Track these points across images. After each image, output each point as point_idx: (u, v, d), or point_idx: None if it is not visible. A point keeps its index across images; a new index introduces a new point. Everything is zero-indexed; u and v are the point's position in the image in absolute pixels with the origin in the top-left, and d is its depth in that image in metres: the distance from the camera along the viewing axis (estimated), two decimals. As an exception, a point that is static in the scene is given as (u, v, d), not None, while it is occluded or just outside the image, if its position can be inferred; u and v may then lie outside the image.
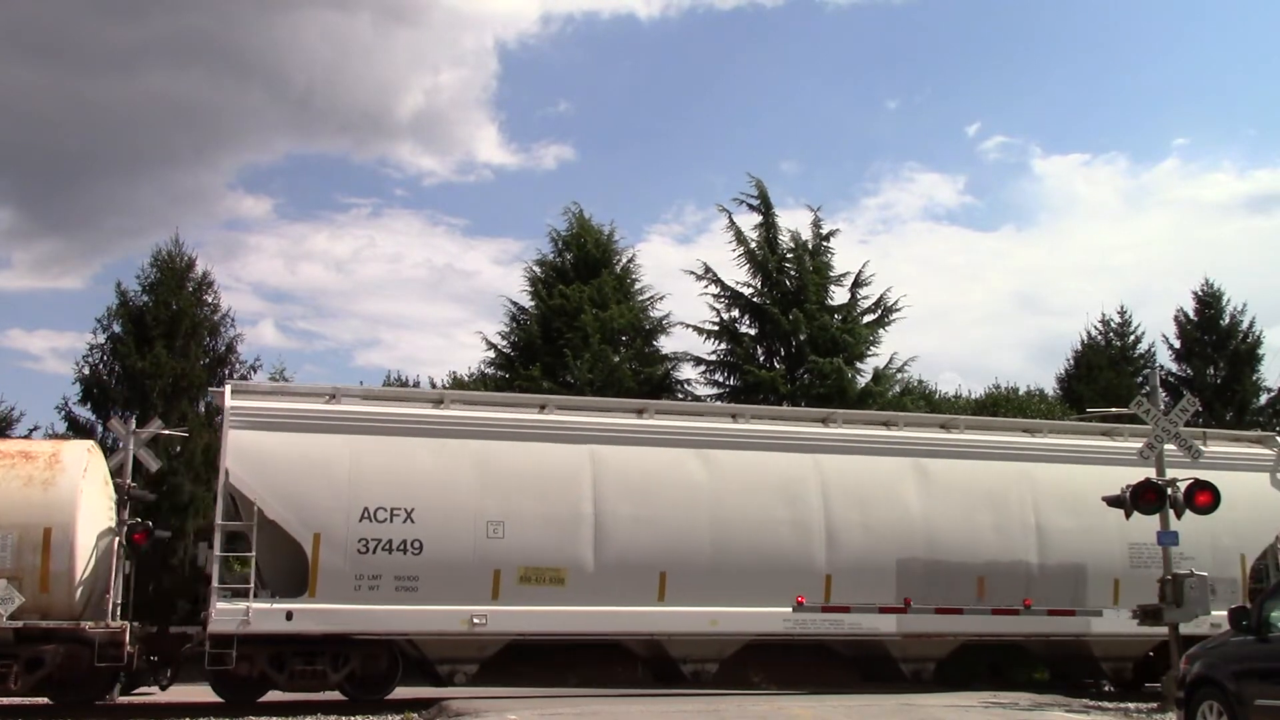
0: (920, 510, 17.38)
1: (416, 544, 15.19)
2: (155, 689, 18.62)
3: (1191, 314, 35.88)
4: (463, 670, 15.74)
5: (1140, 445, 17.08)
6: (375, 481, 15.36)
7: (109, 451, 17.81)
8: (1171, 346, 36.03)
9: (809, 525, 16.80)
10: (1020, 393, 33.74)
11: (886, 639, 17.05)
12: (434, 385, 30.23)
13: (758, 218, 31.00)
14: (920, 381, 32.57)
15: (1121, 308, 38.28)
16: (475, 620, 15.24)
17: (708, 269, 30.44)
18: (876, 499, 17.29)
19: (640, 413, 17.34)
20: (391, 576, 15.05)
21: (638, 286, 31.12)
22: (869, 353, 30.03)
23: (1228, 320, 35.26)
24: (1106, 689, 18.96)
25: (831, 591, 16.58)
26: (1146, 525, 16.60)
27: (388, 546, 15.09)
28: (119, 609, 15.47)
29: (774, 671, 19.53)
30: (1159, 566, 16.50)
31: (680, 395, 29.76)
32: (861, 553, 16.91)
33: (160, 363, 27.13)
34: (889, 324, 30.58)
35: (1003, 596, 17.34)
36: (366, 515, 15.15)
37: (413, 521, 15.22)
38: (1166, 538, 15.85)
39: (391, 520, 15.17)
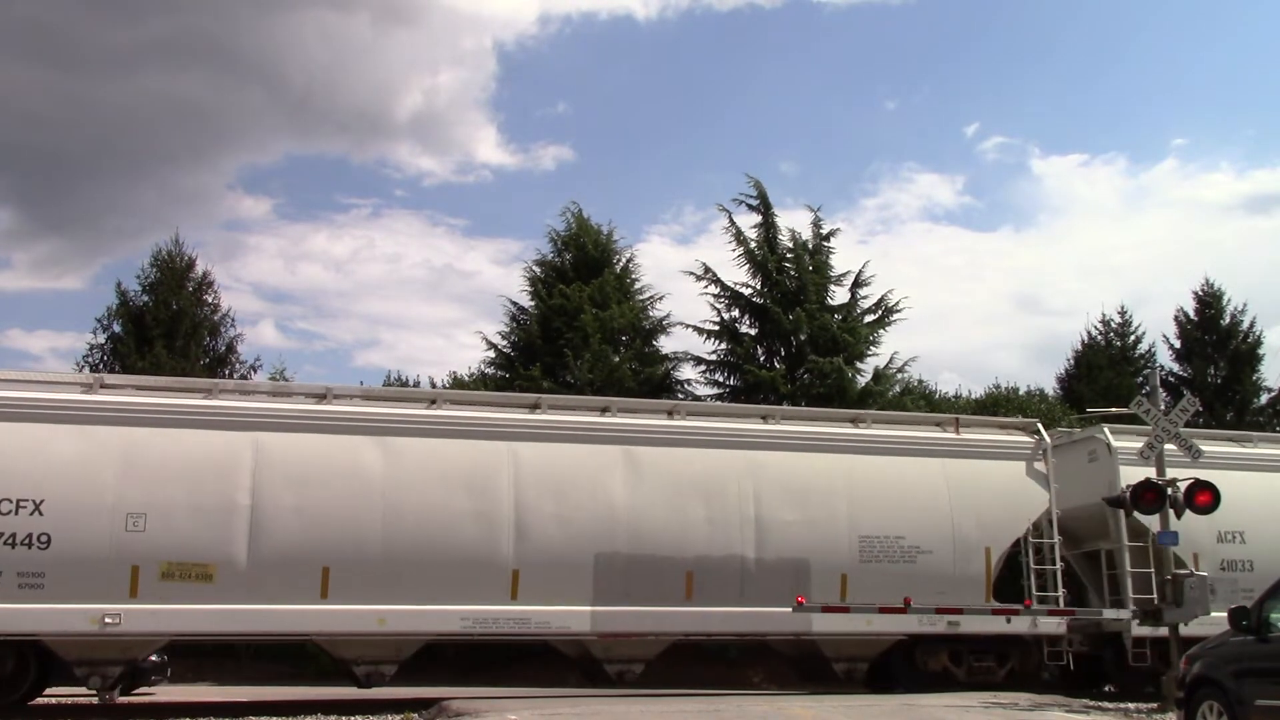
0: (626, 501, 16.12)
1: (44, 538, 14.19)
2: (155, 689, 18.64)
3: (1192, 314, 35.91)
4: (100, 674, 14.68)
5: (885, 433, 17.15)
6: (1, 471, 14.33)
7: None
8: (1172, 346, 36.08)
9: (496, 517, 15.61)
10: (1020, 393, 33.76)
11: (583, 638, 15.93)
12: (434, 385, 30.20)
13: (757, 218, 31.05)
14: (920, 381, 32.64)
15: (1122, 308, 38.35)
16: (107, 620, 14.21)
17: (707, 269, 30.50)
18: (576, 489, 16.08)
19: (321, 398, 16.10)
20: (14, 573, 14.06)
21: (637, 286, 31.17)
22: (869, 352, 30.07)
23: (1228, 320, 35.28)
24: (1107, 689, 18.95)
25: (519, 589, 15.43)
26: (878, 518, 16.62)
27: (10, 540, 14.08)
28: None
29: (774, 671, 19.53)
30: (890, 560, 16.40)
31: (681, 395, 29.77)
32: (555, 547, 15.72)
33: (160, 363, 27.15)
34: (889, 324, 30.63)
35: (714, 593, 16.13)
36: None
37: (41, 514, 14.24)
38: (1167, 537, 15.85)
39: (17, 512, 14.18)
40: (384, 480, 15.38)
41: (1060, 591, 17.40)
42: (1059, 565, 17.47)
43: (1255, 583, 17.31)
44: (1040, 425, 18.73)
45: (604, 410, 17.10)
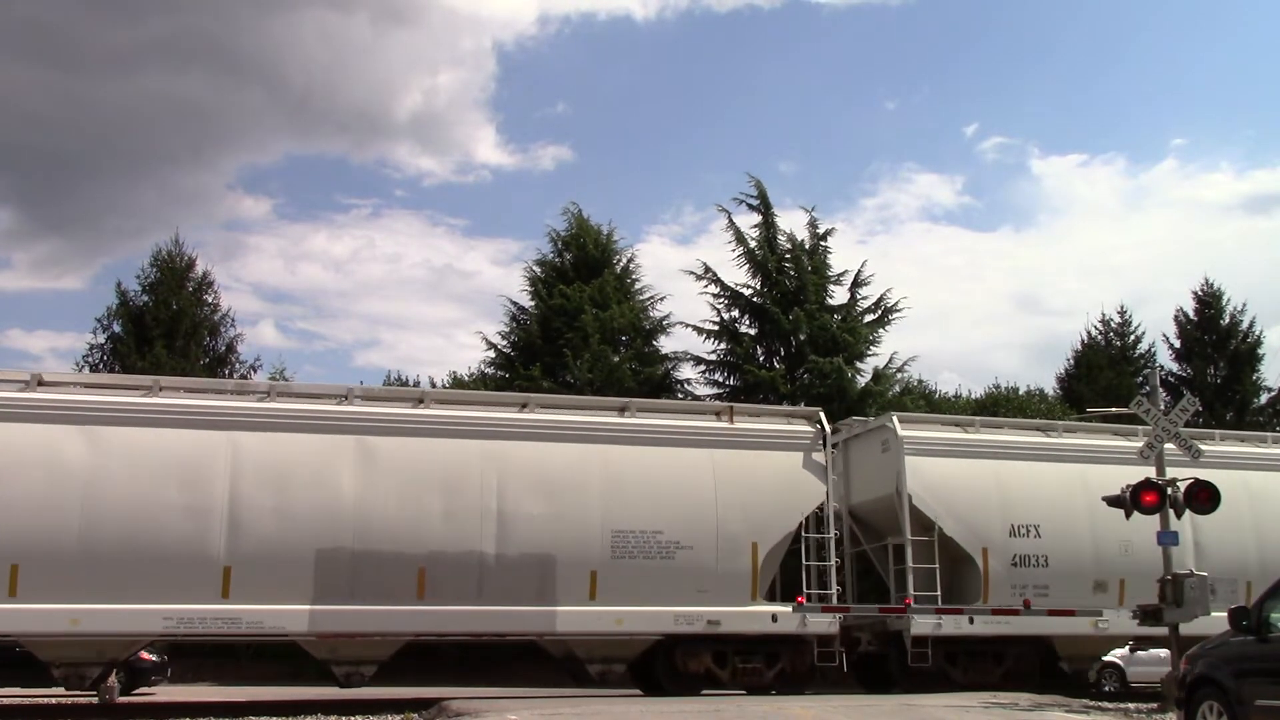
0: (354, 493, 15.17)
1: None
2: (155, 689, 18.65)
3: (1191, 314, 35.95)
4: None
5: (649, 422, 16.41)
6: None
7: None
8: (1172, 346, 36.13)
9: (208, 511, 14.70)
10: (1020, 393, 33.78)
11: (300, 639, 14.99)
12: (434, 385, 30.22)
13: (757, 217, 31.08)
14: (920, 381, 32.66)
15: (1122, 308, 38.40)
16: None
17: (707, 269, 30.52)
18: (299, 481, 15.12)
19: (26, 385, 15.11)
20: None
21: (637, 286, 31.19)
22: (869, 352, 30.09)
23: (1228, 320, 35.32)
24: (1107, 689, 18.95)
25: (231, 586, 14.53)
26: (634, 512, 15.68)
27: None
28: None
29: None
30: (646, 556, 15.57)
31: (680, 395, 29.79)
32: (272, 542, 14.75)
33: (160, 362, 27.16)
34: (889, 324, 30.66)
35: (449, 591, 15.19)
36: None
37: None
38: (1167, 537, 15.79)
39: None
40: (86, 472, 14.49)
41: (835, 589, 16.54)
42: (835, 561, 16.64)
43: (1049, 579, 17.09)
44: (822, 415, 17.53)
45: (343, 398, 16.01)
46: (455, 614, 15.12)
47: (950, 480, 17.34)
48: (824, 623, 16.27)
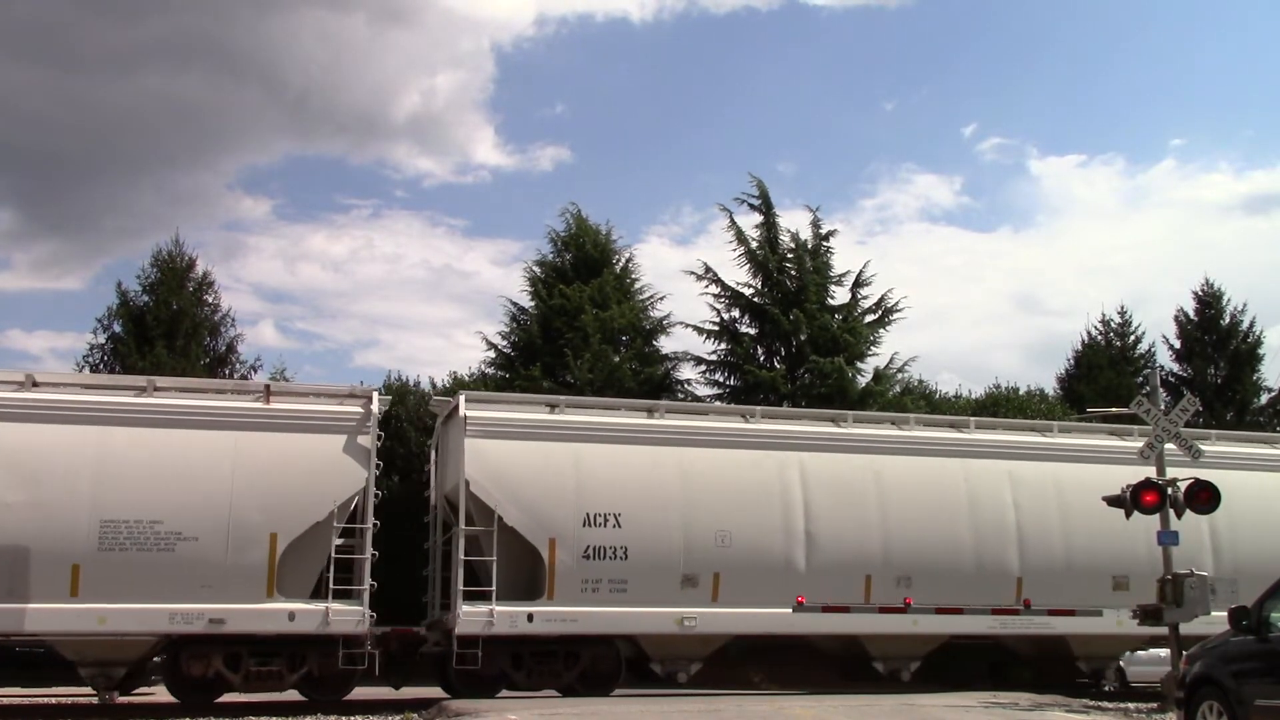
0: None
1: None
2: (155, 689, 18.64)
3: (1192, 314, 35.94)
4: None
5: (176, 403, 15.08)
6: None
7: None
8: (1172, 346, 36.13)
9: None
10: (1020, 393, 33.76)
11: None
12: (434, 386, 30.19)
13: (758, 217, 31.06)
14: (920, 381, 32.65)
15: (1122, 308, 38.42)
16: None
17: (708, 269, 30.51)
18: None
19: None
20: None
21: (637, 286, 31.17)
22: (869, 352, 30.08)
23: (1228, 320, 35.30)
24: (1107, 689, 18.95)
25: None
26: (130, 499, 14.38)
27: None
28: None
29: (774, 672, 19.53)
30: (140, 548, 14.22)
31: (681, 395, 29.78)
32: None
33: (160, 363, 27.12)
34: (889, 324, 30.65)
35: None
36: None
37: None
38: (1167, 537, 15.74)
39: None
40: None
41: (369, 584, 15.06)
42: (370, 554, 15.14)
43: (629, 573, 15.63)
44: (376, 395, 16.10)
45: None
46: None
47: (519, 465, 15.87)
48: (350, 621, 14.74)
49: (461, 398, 16.56)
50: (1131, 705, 15.34)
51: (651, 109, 73.95)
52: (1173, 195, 70.09)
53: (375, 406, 15.89)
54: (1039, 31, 74.29)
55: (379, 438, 15.89)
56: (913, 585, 16.81)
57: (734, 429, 17.25)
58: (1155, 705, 15.10)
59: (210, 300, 30.91)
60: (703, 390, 30.32)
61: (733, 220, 30.86)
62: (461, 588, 15.38)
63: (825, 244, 30.66)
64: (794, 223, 34.60)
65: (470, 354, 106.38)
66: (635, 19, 72.91)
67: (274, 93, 68.70)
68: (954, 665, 18.48)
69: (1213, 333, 35.40)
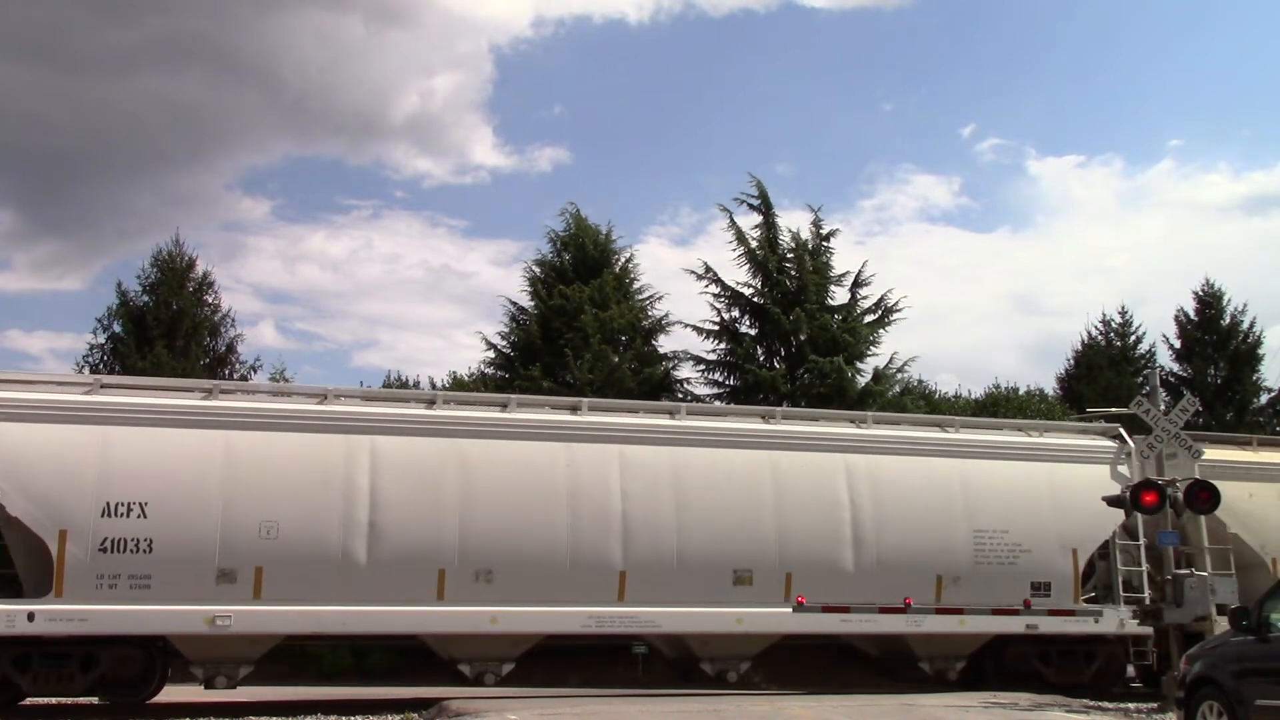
0: None
1: None
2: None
3: (1192, 314, 35.94)
4: None
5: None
6: None
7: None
8: (1172, 346, 36.12)
9: None
10: (1020, 393, 33.78)
11: None
12: (433, 386, 30.22)
13: (758, 217, 31.07)
14: (920, 381, 32.67)
15: (1122, 308, 38.52)
16: None
17: (708, 268, 30.52)
18: None
19: None
20: None
21: (637, 286, 31.18)
22: (869, 352, 30.09)
23: (1228, 320, 35.30)
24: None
25: None
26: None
27: None
28: None
29: (774, 671, 19.53)
30: None
31: (680, 395, 29.79)
32: None
33: (160, 363, 27.15)
34: (889, 324, 30.65)
35: None
36: None
37: None
38: (1167, 537, 15.79)
39: None
40: None
41: None
42: None
43: (152, 567, 13.98)
44: None
45: None
46: None
47: (33, 450, 14.25)
48: None
49: None
50: (1132, 705, 15.35)
51: (649, 110, 74.03)
52: (1171, 195, 70.17)
53: None
54: (1037, 32, 74.37)
55: None
56: (494, 580, 15.06)
57: (297, 411, 15.57)
58: (1155, 705, 15.12)
59: (210, 300, 30.96)
60: (702, 390, 30.39)
61: (732, 220, 30.93)
62: None
63: (825, 244, 30.70)
64: (793, 223, 34.72)
65: (470, 354, 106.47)
66: (632, 20, 72.96)
67: (272, 93, 68.77)
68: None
69: (1213, 333, 35.39)
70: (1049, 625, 17.12)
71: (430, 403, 16.35)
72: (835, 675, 19.99)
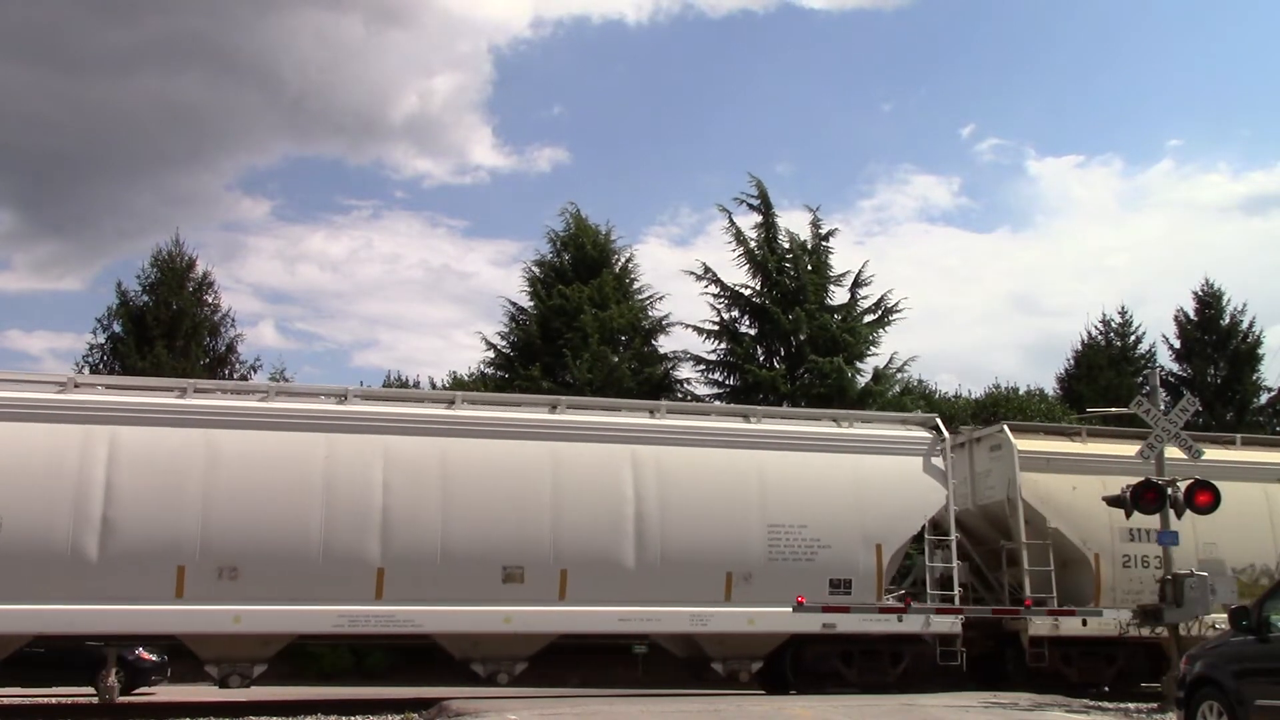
0: None
1: None
2: (155, 689, 18.66)
3: (1192, 314, 35.97)
4: None
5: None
6: None
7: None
8: (1172, 346, 36.16)
9: None
10: (1020, 393, 33.79)
11: None
12: (434, 386, 30.24)
13: (757, 217, 31.07)
14: (920, 381, 32.68)
15: (1122, 308, 38.58)
16: None
17: (707, 269, 30.53)
18: None
19: None
20: None
21: (636, 286, 31.19)
22: (869, 352, 30.09)
23: (1228, 320, 35.32)
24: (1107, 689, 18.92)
25: None
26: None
27: None
28: None
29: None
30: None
31: (680, 395, 29.79)
32: None
33: (160, 363, 27.17)
34: (889, 324, 30.65)
35: None
36: None
37: None
38: (1167, 537, 15.72)
39: None
40: None
41: None
42: None
43: None
44: None
45: None
46: None
47: None
48: None
49: None
50: (1132, 705, 15.34)
51: (648, 110, 74.11)
52: (1171, 196, 70.23)
53: None
54: (1036, 32, 74.45)
55: None
56: (240, 577, 14.29)
57: (36, 400, 14.78)
58: (1155, 705, 15.11)
59: (210, 300, 31.00)
60: (702, 390, 30.39)
61: (732, 220, 30.93)
62: None
63: (825, 244, 30.72)
64: (793, 223, 34.76)
65: (470, 354, 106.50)
66: (631, 21, 73.04)
67: (272, 94, 68.83)
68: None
69: (1212, 333, 35.43)
70: (848, 624, 16.03)
71: (182, 392, 15.43)
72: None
